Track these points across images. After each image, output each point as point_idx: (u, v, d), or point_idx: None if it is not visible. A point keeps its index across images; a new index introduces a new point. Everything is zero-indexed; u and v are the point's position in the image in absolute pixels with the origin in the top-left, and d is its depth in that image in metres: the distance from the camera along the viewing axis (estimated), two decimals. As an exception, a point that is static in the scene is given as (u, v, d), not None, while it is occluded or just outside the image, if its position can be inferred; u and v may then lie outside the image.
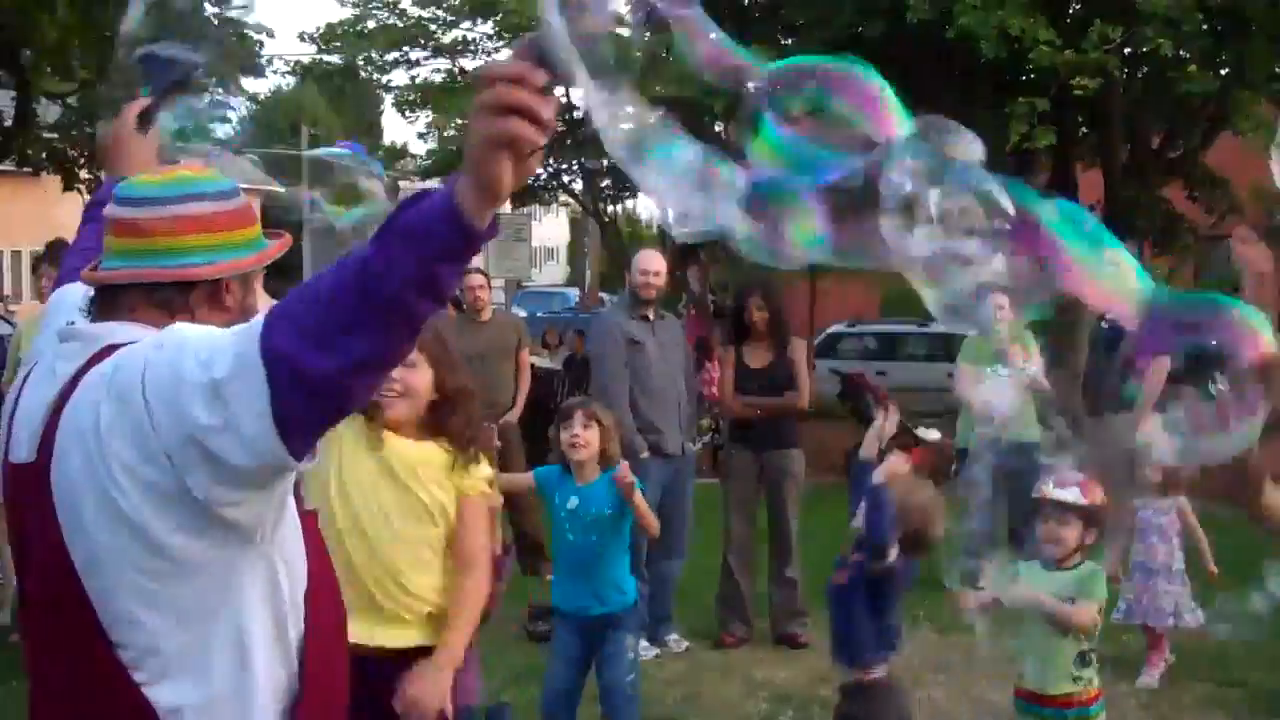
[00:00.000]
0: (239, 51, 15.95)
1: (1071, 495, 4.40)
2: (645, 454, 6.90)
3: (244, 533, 1.88)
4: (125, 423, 1.81)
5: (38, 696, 2.00)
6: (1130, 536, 6.49)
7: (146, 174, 2.14)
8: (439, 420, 3.39)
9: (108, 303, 2.06)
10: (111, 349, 1.93)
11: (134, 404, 1.80)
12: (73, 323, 2.07)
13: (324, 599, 2.11)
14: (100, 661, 1.87)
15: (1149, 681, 6.23)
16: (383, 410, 3.31)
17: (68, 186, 16.11)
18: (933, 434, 14.87)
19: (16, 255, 35.52)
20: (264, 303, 2.10)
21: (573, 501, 5.02)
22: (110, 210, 2.09)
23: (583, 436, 4.94)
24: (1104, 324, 8.55)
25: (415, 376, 3.31)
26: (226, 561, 1.88)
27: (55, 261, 7.16)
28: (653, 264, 7.15)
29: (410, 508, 3.34)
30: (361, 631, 3.04)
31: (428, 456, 3.37)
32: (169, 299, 2.03)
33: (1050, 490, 4.42)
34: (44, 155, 15.79)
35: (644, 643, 6.91)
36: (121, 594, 1.85)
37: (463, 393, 3.43)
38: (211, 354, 1.75)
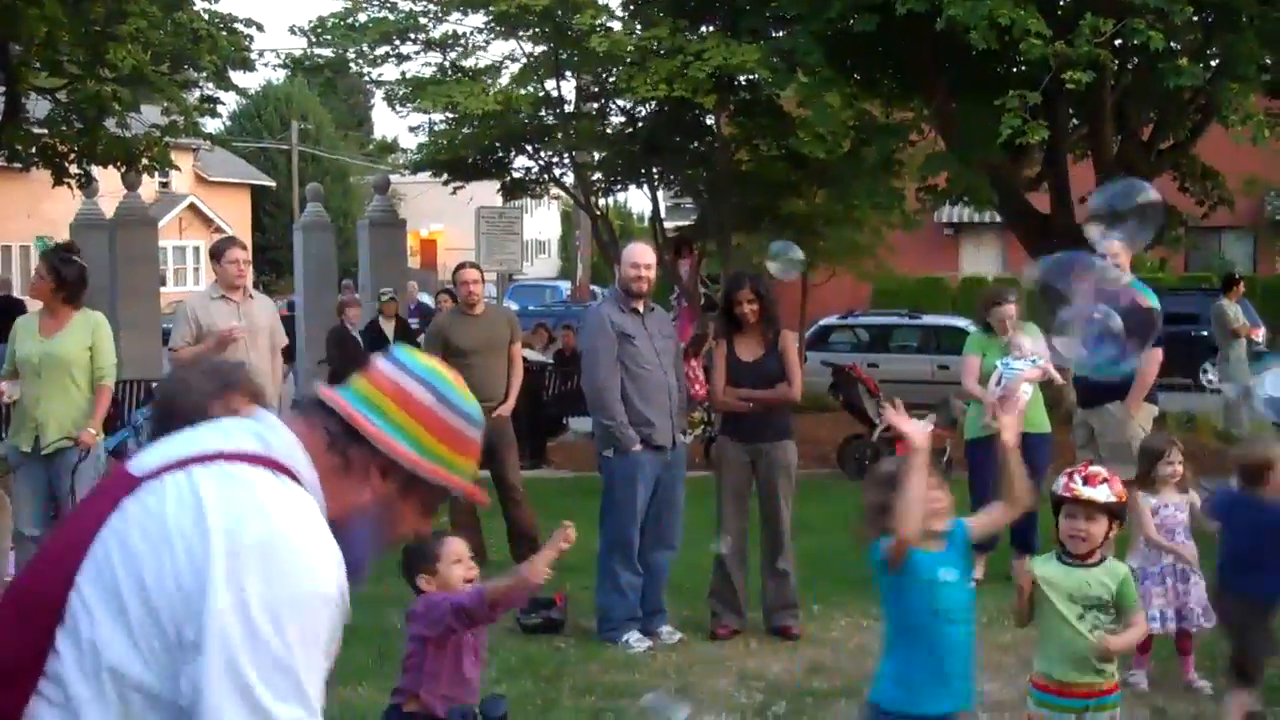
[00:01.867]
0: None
1: (1103, 495, 4.37)
2: (637, 447, 6.90)
3: None
4: (164, 562, 1.85)
5: None
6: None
7: (427, 356, 2.20)
8: None
9: (310, 415, 2.08)
10: (254, 459, 1.94)
11: (181, 577, 1.84)
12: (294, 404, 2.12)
13: None
14: (26, 663, 1.86)
15: (1140, 683, 6.19)
16: None
17: (57, 182, 16.06)
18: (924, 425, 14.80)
19: (6, 250, 35.46)
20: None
21: (948, 573, 3.95)
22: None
23: (944, 498, 4.10)
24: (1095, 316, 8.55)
25: None
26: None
27: (50, 264, 7.16)
28: (644, 257, 7.15)
29: None
30: None
31: None
32: (335, 435, 2.04)
33: (1081, 489, 4.38)
34: (33, 150, 15.73)
35: (636, 634, 6.93)
36: (82, 634, 1.86)
37: None
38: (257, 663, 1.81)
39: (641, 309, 7.10)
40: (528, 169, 18.86)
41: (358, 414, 2.04)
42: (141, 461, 1.99)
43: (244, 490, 1.90)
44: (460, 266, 9.24)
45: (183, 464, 1.94)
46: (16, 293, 20.17)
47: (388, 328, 13.78)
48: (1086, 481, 4.40)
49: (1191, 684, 6.16)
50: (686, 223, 21.25)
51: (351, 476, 2.03)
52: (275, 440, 2.00)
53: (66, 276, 7.10)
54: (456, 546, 4.13)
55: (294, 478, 1.96)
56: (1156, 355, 8.05)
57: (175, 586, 1.83)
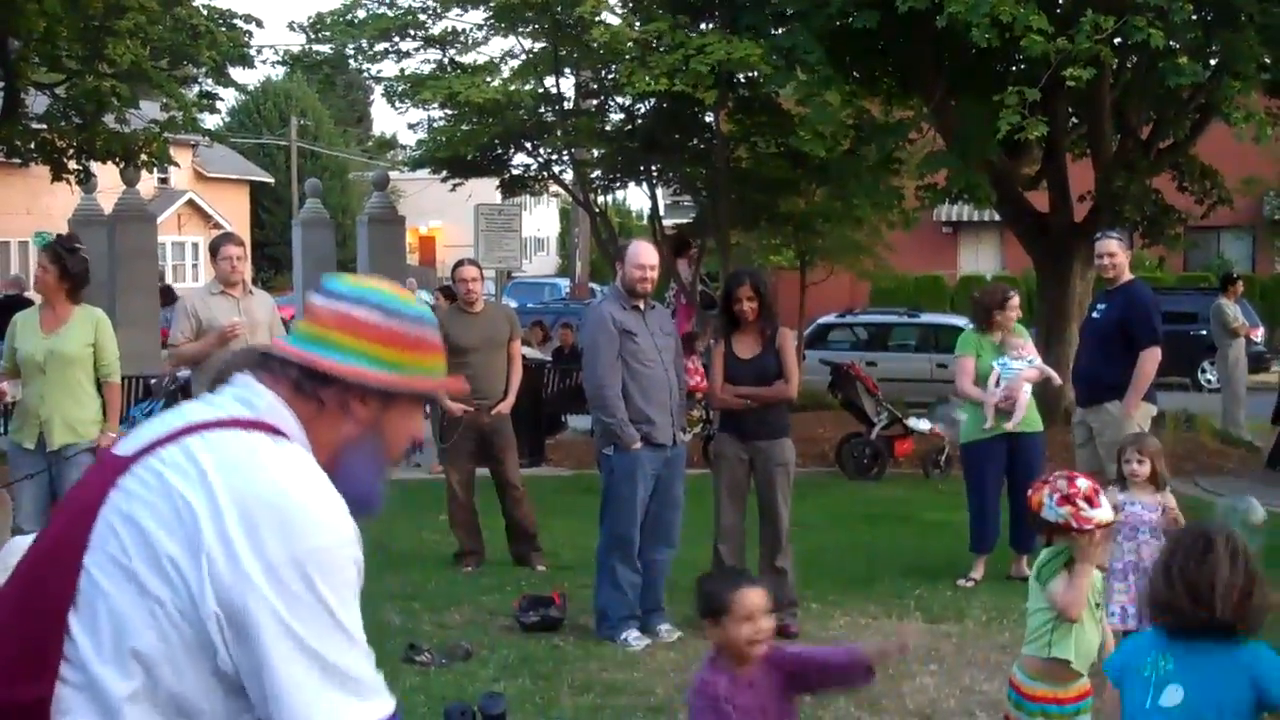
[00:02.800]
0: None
1: (1108, 511, 4.30)
2: (638, 445, 6.90)
3: None
4: (178, 531, 1.86)
5: None
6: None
7: (355, 276, 2.20)
8: None
9: (270, 369, 2.10)
10: (247, 424, 1.96)
11: (192, 538, 1.86)
12: (250, 371, 2.10)
13: None
14: (45, 653, 1.87)
15: None
16: None
17: (56, 177, 16.05)
18: (923, 424, 14.89)
19: (5, 246, 35.43)
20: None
21: (1174, 694, 3.21)
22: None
23: None
24: (1093, 314, 8.55)
25: None
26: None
27: (55, 253, 7.15)
28: (649, 258, 7.14)
29: None
30: None
31: None
32: (300, 382, 2.06)
33: (1097, 515, 4.23)
34: (32, 146, 15.72)
35: (635, 632, 6.93)
36: (116, 604, 1.86)
37: None
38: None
39: (642, 306, 7.09)
40: (527, 166, 18.84)
41: (315, 356, 2.05)
42: (128, 444, 2.00)
43: (243, 454, 1.92)
44: (459, 264, 9.22)
45: (173, 437, 1.95)
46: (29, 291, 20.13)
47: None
48: (1090, 503, 4.25)
49: None
50: (685, 220, 21.24)
51: (330, 416, 2.06)
52: (260, 402, 2.03)
53: (71, 268, 7.08)
54: (752, 600, 3.61)
55: (285, 436, 1.99)
56: (1155, 355, 8.03)
57: (190, 555, 1.84)
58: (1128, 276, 8.27)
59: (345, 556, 1.91)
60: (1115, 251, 8.16)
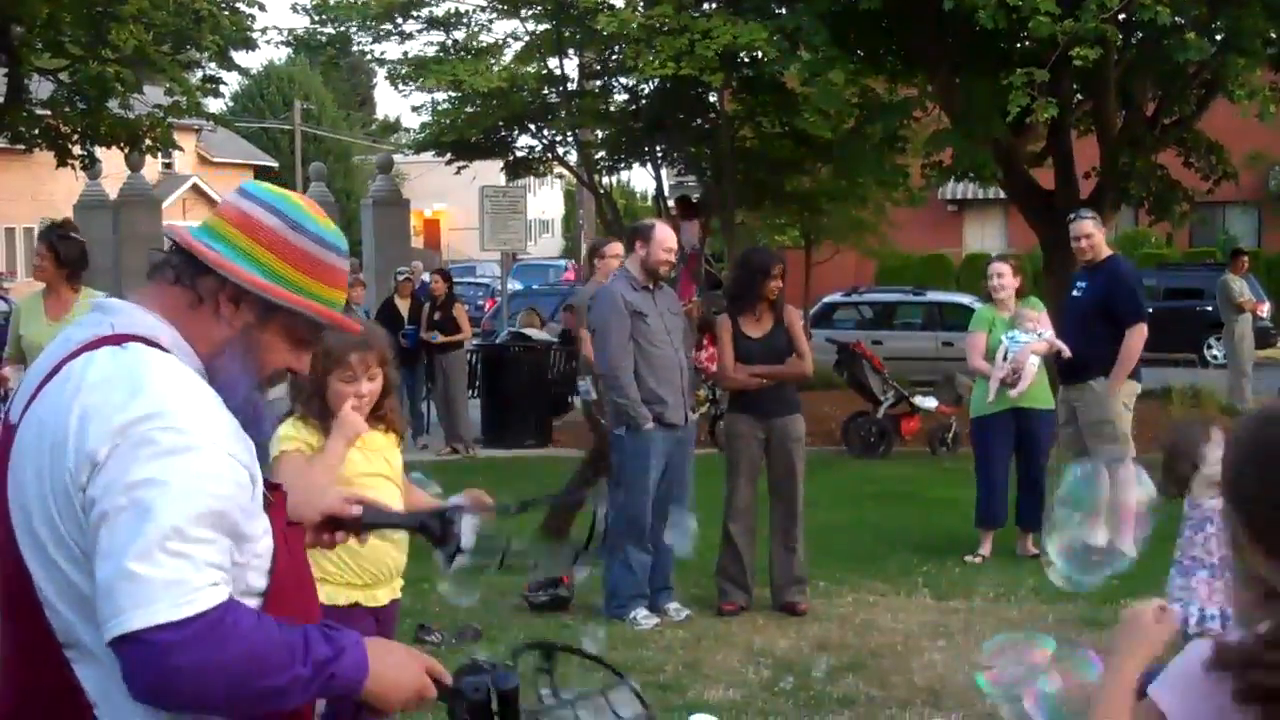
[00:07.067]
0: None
1: None
2: (650, 425, 6.90)
3: None
4: (70, 456, 1.84)
5: None
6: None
7: (279, 187, 2.14)
8: (377, 406, 3.87)
9: (164, 265, 2.05)
10: (118, 339, 1.92)
11: (82, 452, 1.83)
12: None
13: (290, 593, 2.03)
14: (35, 630, 1.87)
15: None
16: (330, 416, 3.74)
17: (60, 163, 16.05)
18: (929, 402, 14.86)
19: (10, 232, 35.45)
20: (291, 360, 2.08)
21: None
22: None
23: None
24: (1074, 292, 8.51)
25: (376, 385, 3.76)
26: None
27: (49, 242, 7.14)
28: (674, 241, 7.24)
29: (391, 485, 3.83)
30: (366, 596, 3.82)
31: (386, 441, 3.92)
32: (180, 267, 2.01)
33: None
34: (36, 132, 15.72)
35: (644, 611, 6.96)
36: (48, 575, 1.86)
37: (392, 386, 3.92)
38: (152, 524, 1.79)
39: (652, 286, 7.10)
40: (531, 148, 18.83)
41: (201, 245, 1.99)
42: (11, 410, 1.98)
43: (98, 374, 1.87)
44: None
45: (37, 392, 1.91)
46: (21, 276, 20.17)
47: (403, 307, 13.94)
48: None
49: None
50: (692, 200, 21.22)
51: (205, 312, 1.99)
52: (117, 320, 1.96)
53: (64, 255, 7.05)
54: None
55: (150, 344, 1.93)
56: (1142, 331, 7.97)
57: (74, 492, 1.83)
58: (1106, 252, 8.27)
59: (206, 479, 1.83)
60: (1091, 232, 8.16)
